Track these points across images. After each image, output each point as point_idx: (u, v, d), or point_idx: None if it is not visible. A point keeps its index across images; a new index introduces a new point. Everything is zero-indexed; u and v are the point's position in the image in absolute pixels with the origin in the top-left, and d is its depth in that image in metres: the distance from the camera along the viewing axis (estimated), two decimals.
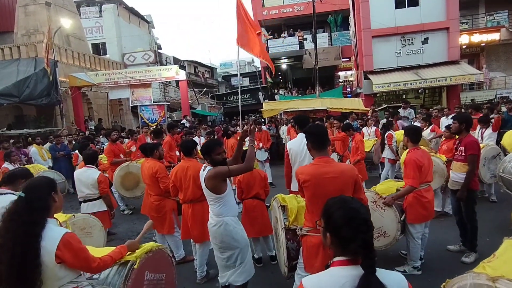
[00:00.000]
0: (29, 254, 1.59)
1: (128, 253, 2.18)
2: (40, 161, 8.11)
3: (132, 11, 25.49)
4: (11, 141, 9.59)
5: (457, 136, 3.96)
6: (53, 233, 1.69)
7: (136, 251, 2.22)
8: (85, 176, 4.18)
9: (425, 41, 15.16)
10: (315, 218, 2.35)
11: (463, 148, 3.64)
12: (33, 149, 8.44)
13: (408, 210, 3.40)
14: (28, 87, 12.01)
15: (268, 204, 3.39)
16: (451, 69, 14.59)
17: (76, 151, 7.52)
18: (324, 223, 1.27)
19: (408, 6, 15.21)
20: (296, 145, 3.53)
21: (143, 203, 4.42)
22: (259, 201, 3.77)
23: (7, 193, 2.57)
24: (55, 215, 1.84)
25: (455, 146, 3.85)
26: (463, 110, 9.40)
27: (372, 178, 7.22)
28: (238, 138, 2.98)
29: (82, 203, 4.24)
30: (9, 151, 6.68)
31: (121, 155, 6.68)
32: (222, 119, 20.52)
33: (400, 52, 15.54)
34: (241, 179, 3.76)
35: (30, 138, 10.36)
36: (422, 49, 15.26)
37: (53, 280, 1.69)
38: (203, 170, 2.83)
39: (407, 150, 3.52)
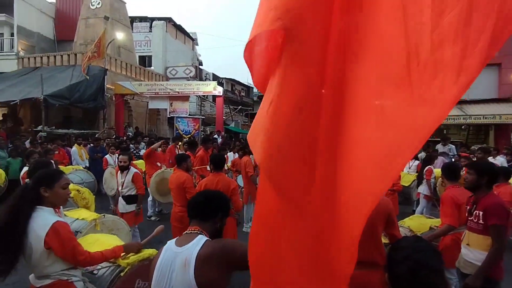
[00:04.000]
0: (13, 234, 1.73)
1: (127, 255, 2.19)
2: (78, 160, 8.58)
3: (179, 28, 27.05)
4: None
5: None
6: (45, 220, 1.79)
7: (131, 257, 2.20)
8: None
9: None
10: None
11: (481, 213, 2.50)
12: (74, 149, 8.96)
13: (444, 253, 3.11)
14: (78, 91, 12.98)
15: None
16: (501, 106, 13.73)
17: (106, 156, 7.92)
18: (387, 269, 1.11)
19: None
20: None
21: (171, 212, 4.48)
22: None
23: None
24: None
25: (468, 208, 2.72)
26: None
27: (405, 214, 6.79)
28: None
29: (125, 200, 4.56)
30: (30, 150, 5.99)
31: (158, 163, 6.96)
32: None
33: None
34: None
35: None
36: None
37: (42, 266, 1.79)
38: (179, 246, 1.38)
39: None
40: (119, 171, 4.70)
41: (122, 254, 2.15)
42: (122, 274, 2.11)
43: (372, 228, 2.13)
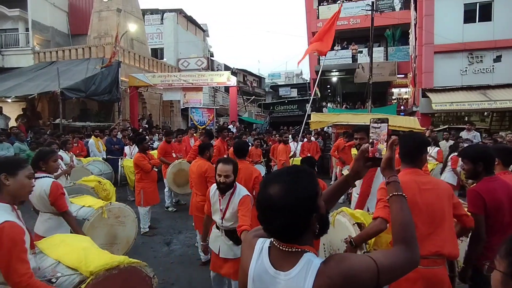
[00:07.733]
0: None
1: (89, 263, 1.79)
2: (96, 152, 8.64)
3: (190, 20, 26.84)
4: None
5: None
6: None
7: (96, 264, 1.79)
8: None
9: (497, 59, 13.78)
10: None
11: None
12: (91, 141, 9.03)
13: None
14: (94, 84, 13.05)
15: None
16: None
17: (125, 148, 7.93)
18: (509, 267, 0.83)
19: (479, 21, 14.00)
20: None
21: (190, 204, 4.40)
22: None
23: (44, 177, 2.61)
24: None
25: None
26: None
27: None
28: (349, 172, 1.34)
29: None
30: (65, 139, 6.56)
31: (173, 154, 6.88)
32: (267, 128, 20.51)
33: (466, 70, 14.30)
34: None
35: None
36: (493, 68, 13.88)
37: None
38: (279, 268, 1.04)
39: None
40: (215, 191, 2.87)
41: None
42: (82, 286, 1.72)
43: (441, 214, 1.93)
